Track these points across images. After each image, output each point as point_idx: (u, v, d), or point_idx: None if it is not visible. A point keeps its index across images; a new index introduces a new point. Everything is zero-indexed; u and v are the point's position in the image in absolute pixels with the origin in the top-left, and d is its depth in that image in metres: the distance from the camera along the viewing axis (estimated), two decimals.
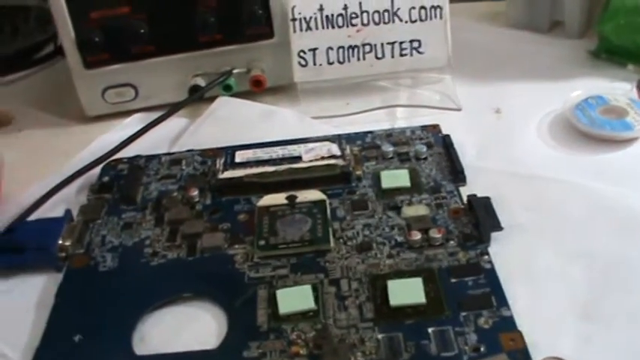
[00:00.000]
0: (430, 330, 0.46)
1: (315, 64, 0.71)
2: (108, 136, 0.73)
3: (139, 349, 0.49)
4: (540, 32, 0.84)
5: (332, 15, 0.71)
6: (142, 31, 0.72)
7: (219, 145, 0.67)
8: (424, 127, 0.67)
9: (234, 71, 0.74)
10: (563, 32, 0.83)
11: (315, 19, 0.70)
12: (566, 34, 0.83)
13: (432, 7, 0.71)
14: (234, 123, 0.71)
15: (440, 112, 0.70)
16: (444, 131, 0.66)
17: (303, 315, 0.48)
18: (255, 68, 0.74)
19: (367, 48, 0.71)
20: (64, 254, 0.57)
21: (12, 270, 0.58)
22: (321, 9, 0.70)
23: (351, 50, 0.71)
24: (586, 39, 0.81)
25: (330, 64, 0.71)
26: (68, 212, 0.61)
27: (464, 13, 0.84)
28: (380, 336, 0.46)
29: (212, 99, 0.74)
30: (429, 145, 0.64)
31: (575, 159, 0.63)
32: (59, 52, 0.92)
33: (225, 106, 0.73)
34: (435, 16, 0.71)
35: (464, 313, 0.47)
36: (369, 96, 0.73)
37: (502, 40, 0.84)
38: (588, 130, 0.64)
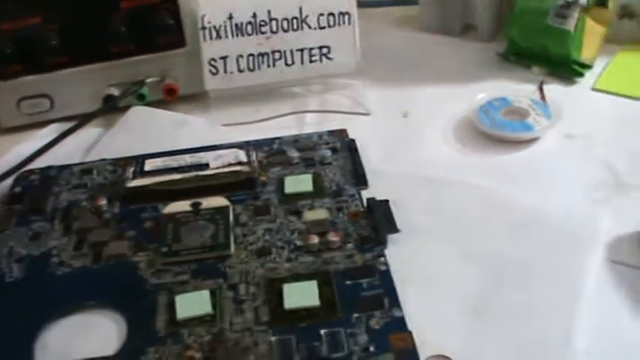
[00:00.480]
0: (322, 332, 0.48)
1: (225, 71, 0.72)
2: (23, 147, 0.73)
3: (42, 357, 0.50)
4: (452, 35, 0.86)
5: (241, 23, 0.72)
6: (54, 42, 0.72)
7: (132, 154, 0.67)
8: (331, 132, 0.68)
9: (148, 80, 0.75)
10: (474, 35, 0.85)
11: (225, 27, 0.72)
12: (477, 37, 0.85)
13: (340, 13, 0.72)
14: (147, 132, 0.72)
15: (349, 117, 0.72)
16: (352, 136, 0.68)
17: (200, 319, 0.50)
18: (168, 77, 0.75)
19: (277, 55, 0.73)
20: None
21: None
22: (230, 17, 0.72)
23: (261, 57, 0.73)
24: (496, 42, 0.83)
25: (240, 71, 0.73)
26: None
27: (377, 18, 0.86)
28: (273, 339, 0.48)
29: (126, 108, 0.75)
30: (335, 150, 0.65)
31: (477, 161, 0.65)
32: None
33: (138, 115, 0.74)
34: (344, 22, 0.72)
35: (356, 315, 0.49)
36: (280, 102, 0.74)
37: (414, 43, 0.85)
38: (490, 132, 0.66)
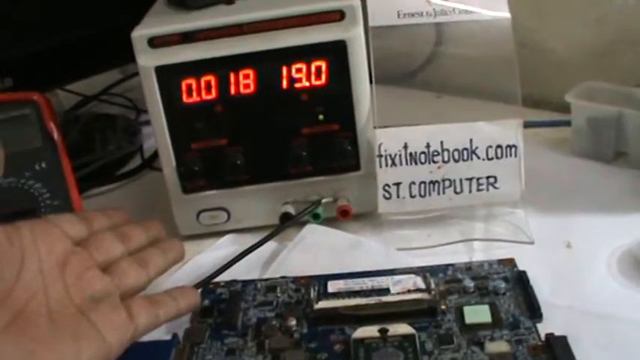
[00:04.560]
0: None
1: (398, 196, 0.77)
2: (202, 257, 0.80)
3: None
4: (604, 162, 0.89)
5: (415, 152, 0.77)
6: (239, 162, 0.78)
7: (309, 273, 0.73)
8: (501, 261, 0.72)
9: (323, 201, 0.80)
10: (627, 162, 0.88)
11: (400, 155, 0.77)
12: (630, 164, 0.87)
13: (508, 146, 0.77)
14: (323, 251, 0.76)
15: (514, 246, 0.75)
16: (519, 264, 0.71)
17: None
18: (342, 198, 0.80)
19: (447, 183, 0.77)
20: None
21: None
22: (405, 147, 0.77)
23: (432, 185, 0.77)
24: None
25: (412, 197, 0.77)
26: (175, 336, 0.66)
27: (529, 139, 0.89)
28: None
29: (300, 224, 0.80)
30: (506, 280, 0.69)
31: None
32: (146, 165, 1.00)
33: (314, 234, 0.79)
34: (510, 155, 0.77)
35: None
36: (448, 228, 0.79)
37: (568, 169, 0.89)
38: None
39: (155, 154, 1.02)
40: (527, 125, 0.84)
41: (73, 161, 0.83)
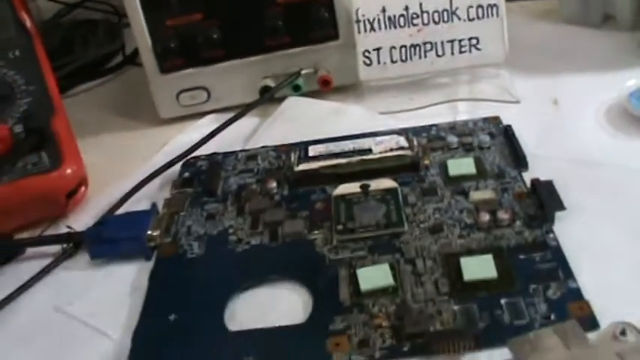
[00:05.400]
0: (502, 301, 0.50)
1: (379, 62, 0.75)
2: (183, 137, 0.78)
3: (231, 325, 0.53)
4: (593, 27, 0.87)
5: (394, 16, 0.74)
6: (215, 36, 0.76)
7: (291, 142, 0.71)
8: (485, 119, 0.70)
9: (302, 72, 0.78)
10: (615, 25, 0.86)
11: (379, 20, 0.74)
12: (618, 27, 0.85)
13: (489, 5, 0.74)
14: (305, 120, 0.75)
15: (499, 106, 0.73)
16: (504, 122, 0.69)
17: (383, 291, 0.52)
18: (322, 68, 0.78)
19: (428, 46, 0.75)
20: (152, 244, 0.62)
21: (107, 259, 0.62)
22: (383, 10, 0.74)
23: (412, 49, 0.75)
24: (638, 31, 0.84)
25: (393, 62, 0.75)
26: (154, 205, 0.65)
27: (518, 12, 0.87)
28: (456, 307, 0.50)
29: (281, 99, 0.78)
30: (492, 135, 0.67)
31: (632, 144, 0.66)
32: (128, 61, 0.98)
33: (294, 105, 0.77)
34: (492, 14, 0.74)
35: (533, 286, 0.51)
36: (430, 92, 0.77)
37: (556, 35, 0.87)
38: None
39: (137, 52, 1.00)
40: None
41: (54, 62, 0.80)
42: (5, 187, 0.67)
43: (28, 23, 0.80)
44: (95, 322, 0.57)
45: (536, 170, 0.63)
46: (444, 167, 0.64)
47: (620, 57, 0.79)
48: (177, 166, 0.71)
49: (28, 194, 0.68)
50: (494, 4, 0.74)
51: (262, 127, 0.76)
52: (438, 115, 0.73)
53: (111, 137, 0.83)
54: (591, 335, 0.45)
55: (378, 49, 0.75)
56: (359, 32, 0.75)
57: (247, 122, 0.77)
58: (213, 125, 0.77)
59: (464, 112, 0.74)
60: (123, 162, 0.77)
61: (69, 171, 0.69)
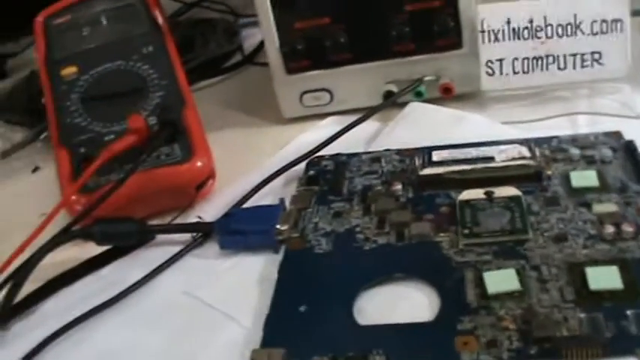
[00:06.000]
0: (628, 312, 0.51)
1: (501, 73, 0.77)
2: (306, 136, 0.81)
3: (360, 320, 0.55)
4: None
5: (518, 28, 0.76)
6: (342, 40, 0.79)
7: (413, 146, 0.73)
8: (606, 134, 0.71)
9: (425, 79, 0.80)
10: None
11: (503, 31, 0.76)
12: None
13: (613, 20, 0.75)
14: (427, 126, 0.77)
15: (619, 120, 0.74)
16: (625, 138, 0.70)
17: (509, 295, 0.54)
18: (444, 76, 0.80)
19: (550, 59, 0.77)
20: (281, 237, 0.64)
21: (235, 250, 0.66)
22: (508, 22, 0.76)
23: (535, 61, 0.77)
24: None
25: (515, 73, 0.77)
26: (282, 201, 0.68)
27: None
28: (582, 315, 0.51)
29: (403, 105, 0.81)
30: (613, 150, 0.68)
31: None
32: (247, 61, 1.01)
33: (416, 110, 0.79)
34: (616, 29, 0.76)
35: None
36: (551, 104, 0.78)
37: None
38: None
39: (255, 51, 1.04)
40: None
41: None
42: (140, 175, 0.70)
43: (160, 20, 0.84)
44: (225, 308, 0.60)
45: None
46: (566, 178, 0.65)
47: None
48: (302, 165, 0.74)
49: (160, 184, 0.72)
50: (619, 19, 0.75)
51: (384, 131, 0.78)
52: (558, 128, 0.74)
53: (235, 133, 0.86)
54: None
55: (501, 60, 0.77)
56: (483, 42, 0.77)
57: (369, 126, 0.80)
58: (334, 127, 0.80)
59: (584, 126, 0.75)
60: (247, 158, 0.80)
61: (199, 164, 0.73)
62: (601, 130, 0.72)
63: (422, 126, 0.77)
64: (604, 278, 0.54)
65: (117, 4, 0.88)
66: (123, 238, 0.69)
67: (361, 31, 0.79)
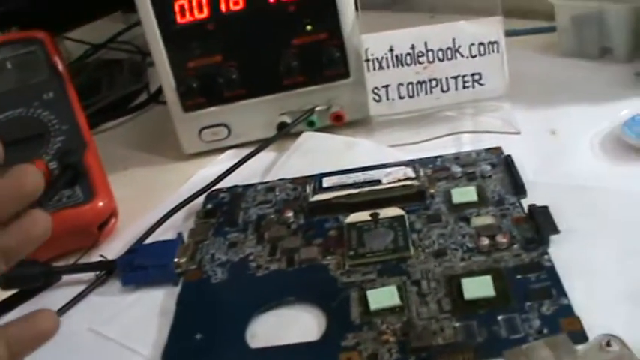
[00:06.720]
0: (500, 317, 0.54)
1: (387, 98, 0.81)
2: (205, 171, 0.84)
3: (252, 343, 0.58)
4: (590, 59, 0.91)
5: (401, 54, 0.80)
6: (234, 76, 0.82)
7: (307, 174, 0.76)
8: (488, 150, 0.75)
9: (316, 109, 0.84)
10: (611, 58, 0.90)
11: (387, 58, 0.80)
12: (614, 59, 0.90)
13: (490, 42, 0.80)
14: (319, 154, 0.80)
15: (501, 137, 0.78)
16: (505, 153, 0.74)
17: (391, 310, 0.57)
18: (335, 105, 0.84)
19: (433, 82, 0.80)
20: (179, 270, 0.67)
21: (137, 285, 0.68)
22: (391, 50, 0.80)
23: (419, 85, 0.80)
24: (634, 62, 0.88)
25: (401, 98, 0.81)
26: (180, 235, 0.71)
27: (519, 46, 0.92)
28: (457, 324, 0.55)
29: (297, 134, 0.84)
30: (493, 165, 0.72)
31: (625, 170, 0.70)
32: (152, 99, 1.03)
33: (309, 139, 0.83)
34: (493, 51, 0.80)
35: (528, 303, 0.55)
36: (436, 125, 0.82)
37: (555, 68, 0.91)
38: (635, 144, 0.72)
39: (160, 89, 1.06)
40: (515, 33, 0.88)
41: (82, 101, 0.86)
42: None
43: (60, 66, 0.86)
44: (127, 342, 0.62)
45: (535, 197, 0.67)
46: (448, 196, 0.69)
47: (615, 88, 0.84)
48: (201, 199, 0.77)
49: (63, 226, 0.72)
50: (495, 42, 0.79)
51: (280, 161, 0.81)
52: (443, 147, 0.78)
53: (139, 172, 0.88)
54: (580, 347, 0.50)
55: (386, 86, 0.80)
56: (368, 70, 0.80)
57: (265, 156, 0.83)
58: (233, 160, 0.82)
59: (468, 144, 0.78)
60: (150, 195, 0.82)
61: (101, 204, 0.75)
62: (483, 147, 0.76)
63: (315, 154, 0.80)
64: (478, 287, 0.57)
65: (18, 52, 0.89)
66: (29, 281, 0.70)
67: (252, 67, 0.82)
